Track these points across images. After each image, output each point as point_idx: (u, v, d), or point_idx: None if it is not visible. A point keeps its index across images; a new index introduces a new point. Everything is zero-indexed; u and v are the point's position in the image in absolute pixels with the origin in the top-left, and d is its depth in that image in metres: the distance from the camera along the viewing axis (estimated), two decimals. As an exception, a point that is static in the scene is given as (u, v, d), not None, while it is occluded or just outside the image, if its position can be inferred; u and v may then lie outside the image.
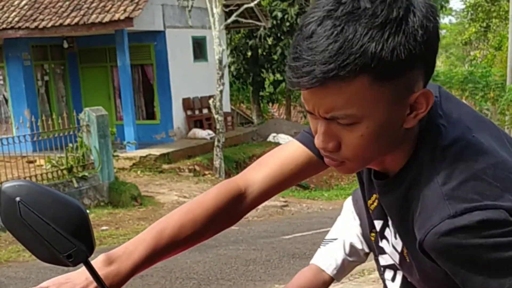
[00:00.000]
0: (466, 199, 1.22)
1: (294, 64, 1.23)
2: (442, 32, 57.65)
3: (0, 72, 18.27)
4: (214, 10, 16.40)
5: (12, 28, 16.94)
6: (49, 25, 16.77)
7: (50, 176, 12.73)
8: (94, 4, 17.00)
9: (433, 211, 1.24)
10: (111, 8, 16.67)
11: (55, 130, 13.23)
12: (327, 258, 2.17)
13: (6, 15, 17.34)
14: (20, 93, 17.92)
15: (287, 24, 24.64)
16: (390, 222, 1.43)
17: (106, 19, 16.48)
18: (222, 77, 16.74)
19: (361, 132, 1.24)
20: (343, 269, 2.17)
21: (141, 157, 16.92)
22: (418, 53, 1.19)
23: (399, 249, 1.43)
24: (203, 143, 18.54)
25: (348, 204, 2.28)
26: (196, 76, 19.60)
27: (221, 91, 16.68)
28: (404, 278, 1.66)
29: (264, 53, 26.45)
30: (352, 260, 2.18)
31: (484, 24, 37.14)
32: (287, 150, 1.55)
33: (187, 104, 19.77)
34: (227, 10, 18.20)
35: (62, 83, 19.58)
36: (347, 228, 2.21)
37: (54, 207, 1.23)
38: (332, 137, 1.26)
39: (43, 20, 16.92)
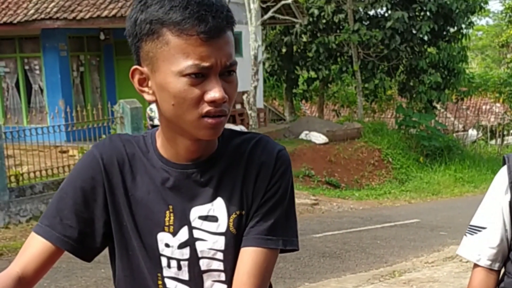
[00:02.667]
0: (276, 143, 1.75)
1: (206, 14, 1.49)
2: (479, 33, 57.05)
3: (36, 62, 18.41)
4: (252, 6, 16.37)
5: (50, 18, 17.06)
6: (87, 16, 16.86)
7: (83, 166, 12.81)
8: (131, -3, 17.07)
9: (269, 147, 1.70)
10: (148, 1, 16.71)
11: (89, 121, 13.30)
12: (486, 253, 2.12)
13: (45, 5, 17.46)
14: (55, 83, 18.04)
15: (323, 21, 24.50)
16: (215, 202, 1.64)
17: (143, 12, 16.52)
18: (256, 73, 16.71)
19: (236, 82, 1.58)
20: (500, 259, 2.15)
21: (173, 150, 16.95)
22: None
23: (224, 226, 1.63)
24: (235, 139, 18.48)
25: (498, 185, 2.16)
26: (230, 71, 19.56)
27: (255, 87, 16.65)
28: None
29: (299, 50, 26.37)
30: (499, 249, 2.13)
31: (523, 27, 36.60)
32: (37, 250, 1.65)
33: (221, 99, 19.75)
34: (264, 6, 18.17)
35: (97, 75, 19.69)
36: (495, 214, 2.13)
37: None
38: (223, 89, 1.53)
39: (81, 11, 17.01)
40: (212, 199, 1.64)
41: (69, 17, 16.92)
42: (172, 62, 1.50)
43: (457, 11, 23.49)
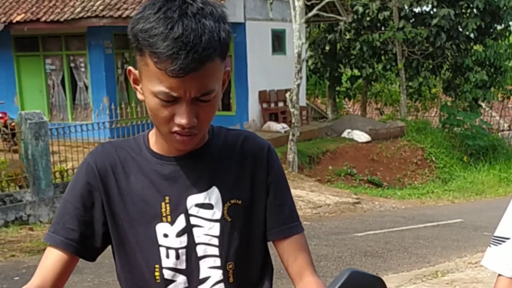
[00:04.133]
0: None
1: (179, 53, 1.54)
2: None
3: (82, 59, 18.65)
4: (296, 3, 16.35)
5: (96, 16, 17.26)
6: (132, 14, 16.99)
7: (126, 163, 12.91)
8: (176, -5, 17.15)
9: (258, 142, 1.84)
10: (192, -2, 16.80)
11: (133, 118, 13.41)
12: (509, 264, 2.08)
13: (91, 3, 17.68)
14: (100, 80, 18.25)
15: (368, 19, 24.37)
16: (210, 191, 1.76)
17: (188, 10, 16.61)
18: (300, 70, 16.68)
19: (214, 104, 1.66)
20: None
21: (215, 147, 17.01)
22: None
23: (219, 214, 1.76)
24: (277, 137, 18.51)
25: None
26: (273, 69, 19.59)
27: (298, 85, 16.62)
28: None
29: (343, 48, 26.26)
30: None
31: None
32: (51, 260, 1.78)
33: (263, 96, 19.79)
34: (308, 3, 18.13)
35: (141, 72, 19.86)
36: None
37: None
38: (194, 113, 1.62)
39: (126, 9, 17.18)
40: (207, 187, 1.76)
41: (114, 15, 17.09)
42: (150, 82, 1.62)
43: (505, 8, 23.17)
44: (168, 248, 1.75)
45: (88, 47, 18.31)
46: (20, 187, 11.10)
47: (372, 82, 27.60)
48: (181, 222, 1.75)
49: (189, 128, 1.63)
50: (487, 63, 23.50)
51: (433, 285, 7.81)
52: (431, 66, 24.67)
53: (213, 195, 1.76)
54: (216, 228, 1.76)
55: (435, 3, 23.49)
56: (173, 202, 1.75)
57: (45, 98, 19.13)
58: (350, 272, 1.69)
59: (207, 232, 1.76)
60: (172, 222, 1.75)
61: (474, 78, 23.20)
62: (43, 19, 17.75)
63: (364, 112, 28.11)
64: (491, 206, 14.57)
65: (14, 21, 18.08)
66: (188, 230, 1.75)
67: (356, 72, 26.93)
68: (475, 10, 23.46)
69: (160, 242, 1.75)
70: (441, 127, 22.37)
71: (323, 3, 17.71)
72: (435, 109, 28.54)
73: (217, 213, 1.76)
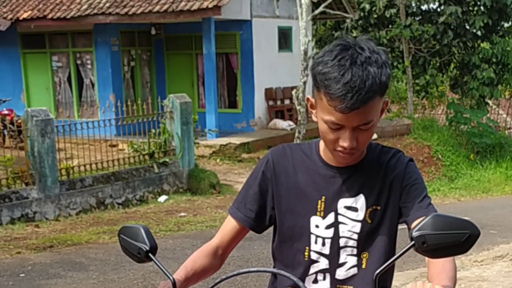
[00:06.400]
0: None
1: (347, 95, 1.96)
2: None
3: (88, 56, 18.67)
4: (302, 1, 16.31)
5: (102, 13, 17.28)
6: (139, 11, 17.03)
7: (131, 160, 12.91)
8: (182, -8, 17.16)
9: (401, 159, 2.23)
10: (199, -4, 16.80)
11: (139, 116, 13.39)
12: None
13: (98, 0, 17.69)
14: (106, 77, 18.28)
15: (375, 16, 24.31)
16: (358, 197, 2.19)
17: (195, 7, 16.62)
18: (306, 68, 16.63)
19: (371, 131, 2.07)
20: None
21: (221, 145, 17.03)
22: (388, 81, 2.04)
23: (362, 216, 2.19)
24: (283, 134, 18.52)
25: None
26: (280, 66, 19.57)
27: (304, 82, 16.58)
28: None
29: (349, 46, 26.18)
30: None
31: None
32: (229, 227, 2.36)
33: (270, 94, 19.77)
34: (315, 1, 18.08)
35: (147, 69, 19.88)
36: None
37: (131, 231, 2.16)
38: (354, 138, 2.06)
39: (133, 6, 17.19)
40: (356, 194, 2.20)
41: (121, 12, 17.12)
42: (322, 112, 2.05)
43: (512, 5, 23.08)
44: (317, 236, 2.21)
45: (94, 44, 18.34)
46: (26, 184, 11.11)
47: (379, 80, 27.49)
48: (330, 218, 2.20)
49: (350, 149, 2.06)
50: (494, 60, 23.40)
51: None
52: (438, 64, 24.60)
53: (360, 201, 2.20)
54: (357, 227, 2.19)
55: (442, 1, 23.41)
56: (328, 202, 2.20)
57: (51, 95, 19.18)
58: (433, 215, 1.92)
59: (350, 229, 2.19)
60: (323, 217, 2.21)
61: (481, 76, 23.10)
62: (50, 16, 17.80)
63: (370, 109, 28.03)
64: (497, 204, 14.51)
65: (20, 18, 18.13)
66: (335, 225, 2.20)
67: (362, 69, 26.80)
68: (482, 8, 23.35)
69: (311, 231, 2.21)
70: (447, 125, 22.29)
71: (329, 0, 17.67)
72: (442, 107, 28.44)
73: (360, 215, 2.19)
